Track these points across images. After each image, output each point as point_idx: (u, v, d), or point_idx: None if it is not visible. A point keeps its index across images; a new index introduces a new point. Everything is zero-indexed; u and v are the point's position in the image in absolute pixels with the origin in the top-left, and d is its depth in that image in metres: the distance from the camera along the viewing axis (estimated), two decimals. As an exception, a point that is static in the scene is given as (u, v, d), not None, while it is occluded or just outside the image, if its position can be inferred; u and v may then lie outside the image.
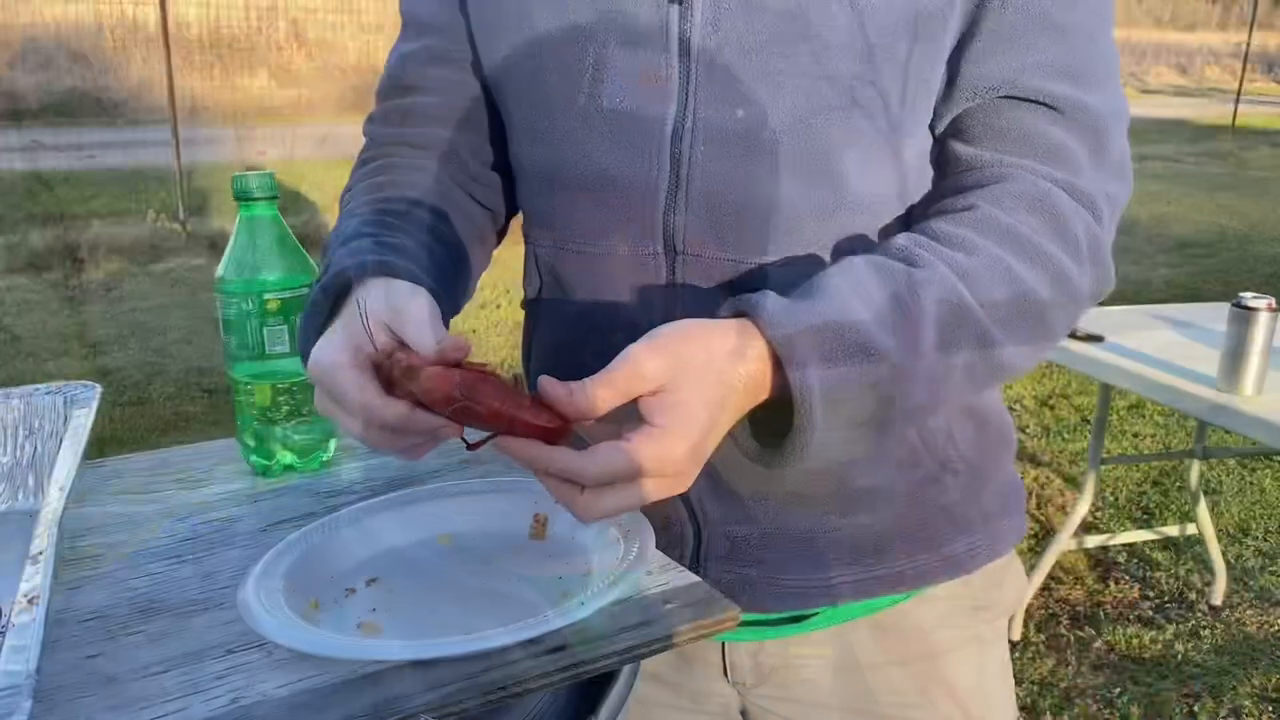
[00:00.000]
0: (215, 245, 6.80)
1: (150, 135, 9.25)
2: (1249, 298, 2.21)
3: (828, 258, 0.81)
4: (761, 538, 0.87)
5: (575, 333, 0.90)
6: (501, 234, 1.02)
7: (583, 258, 0.87)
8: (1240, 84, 14.50)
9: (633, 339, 0.67)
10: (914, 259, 0.73)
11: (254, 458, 0.98)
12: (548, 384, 0.66)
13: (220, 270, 0.94)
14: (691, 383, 0.66)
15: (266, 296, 0.93)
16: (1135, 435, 4.27)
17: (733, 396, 0.67)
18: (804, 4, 0.76)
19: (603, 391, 0.65)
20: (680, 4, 0.78)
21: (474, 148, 0.96)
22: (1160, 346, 2.57)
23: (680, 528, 0.89)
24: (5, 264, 6.35)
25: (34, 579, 0.56)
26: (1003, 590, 0.95)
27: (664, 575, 0.75)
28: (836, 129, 0.78)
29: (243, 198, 0.93)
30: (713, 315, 0.82)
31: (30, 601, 0.55)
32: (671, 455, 0.65)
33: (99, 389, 0.88)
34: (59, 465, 0.72)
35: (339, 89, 13.82)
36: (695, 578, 0.74)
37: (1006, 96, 0.78)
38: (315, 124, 11.04)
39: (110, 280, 6.23)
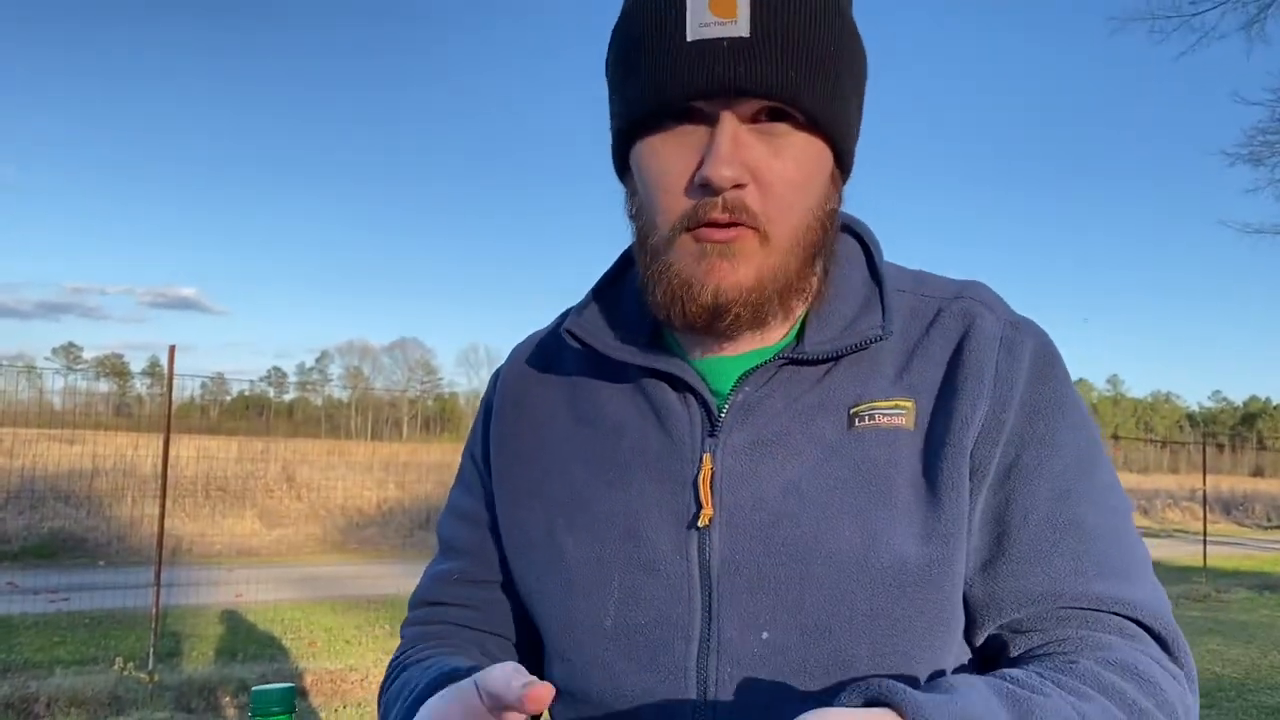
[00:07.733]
0: (181, 697, 6.49)
1: (128, 578, 9.17)
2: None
3: None
4: None
5: None
6: None
7: None
8: (1205, 526, 14.92)
9: None
10: (1036, 688, 0.70)
11: None
12: None
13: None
14: None
15: (276, 824, 0.86)
16: None
17: None
18: (819, 532, 0.78)
19: None
20: (699, 530, 0.81)
21: (503, 648, 0.99)
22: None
23: None
24: (-47, 717, 5.99)
25: None
26: None
27: None
28: (861, 648, 0.77)
29: (261, 714, 0.90)
30: None
31: None
32: None
33: None
34: None
35: (323, 528, 13.97)
36: None
37: (1061, 607, 0.78)
38: (297, 565, 11.01)
39: (62, 735, 5.85)
